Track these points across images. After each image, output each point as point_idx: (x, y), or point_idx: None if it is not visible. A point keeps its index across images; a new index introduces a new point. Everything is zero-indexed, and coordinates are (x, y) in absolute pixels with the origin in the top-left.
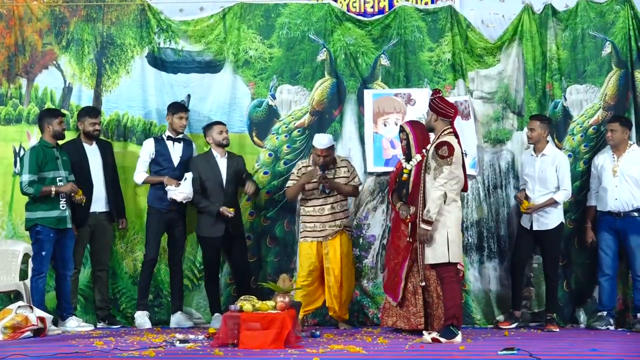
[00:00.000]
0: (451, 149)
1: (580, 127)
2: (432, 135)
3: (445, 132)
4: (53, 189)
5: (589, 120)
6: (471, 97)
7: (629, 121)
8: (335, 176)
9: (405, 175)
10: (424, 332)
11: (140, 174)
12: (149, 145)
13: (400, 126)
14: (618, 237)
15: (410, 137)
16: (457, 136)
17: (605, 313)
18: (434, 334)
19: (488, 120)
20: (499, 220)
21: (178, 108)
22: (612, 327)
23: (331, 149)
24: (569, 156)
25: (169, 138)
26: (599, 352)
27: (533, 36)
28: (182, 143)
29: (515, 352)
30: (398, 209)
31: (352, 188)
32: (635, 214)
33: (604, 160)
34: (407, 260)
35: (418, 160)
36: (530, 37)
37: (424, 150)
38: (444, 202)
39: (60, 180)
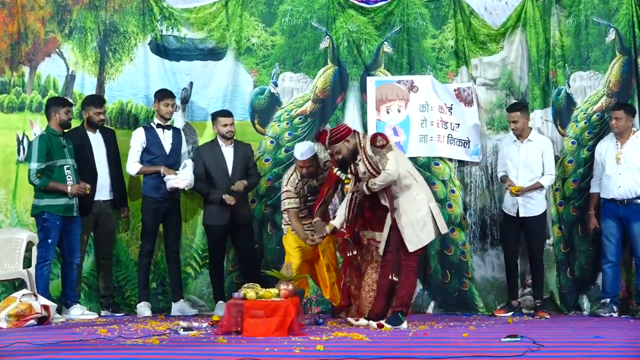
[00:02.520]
0: (384, 136)
1: (584, 113)
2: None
3: (362, 138)
4: (68, 188)
5: (593, 107)
6: (474, 84)
7: (633, 108)
8: (319, 182)
9: (347, 186)
10: (369, 320)
11: (134, 165)
12: (140, 135)
13: (331, 144)
14: (621, 224)
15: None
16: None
17: (608, 300)
18: (380, 321)
19: (491, 107)
20: (501, 208)
21: (164, 94)
22: (615, 314)
23: (313, 159)
24: (573, 143)
25: (158, 126)
26: (602, 339)
27: (536, 23)
28: (171, 130)
29: (518, 339)
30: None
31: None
32: (639, 201)
33: (607, 147)
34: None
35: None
36: (533, 23)
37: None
38: (416, 180)
39: (67, 168)
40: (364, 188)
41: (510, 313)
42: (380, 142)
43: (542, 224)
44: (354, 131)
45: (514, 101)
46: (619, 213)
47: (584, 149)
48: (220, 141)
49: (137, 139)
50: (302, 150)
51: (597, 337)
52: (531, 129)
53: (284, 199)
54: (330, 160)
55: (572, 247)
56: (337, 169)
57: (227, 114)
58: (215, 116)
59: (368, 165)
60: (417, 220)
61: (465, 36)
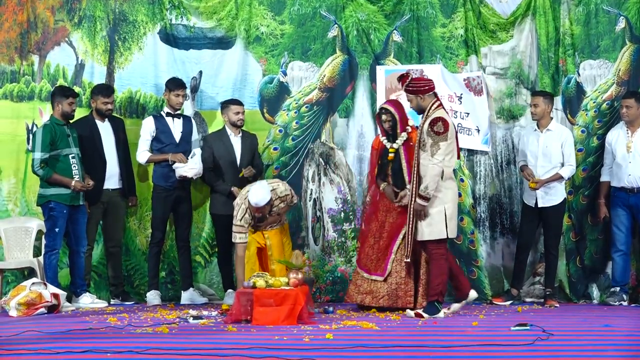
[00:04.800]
0: (446, 124)
1: (594, 102)
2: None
3: (435, 107)
4: (72, 182)
5: (603, 95)
6: (484, 73)
7: None
8: (272, 214)
9: (391, 155)
10: (407, 310)
11: (144, 153)
12: (149, 124)
13: (383, 108)
14: (632, 213)
15: (397, 117)
16: (443, 107)
17: (618, 289)
18: (417, 310)
19: (501, 96)
20: (511, 197)
21: (176, 85)
22: (625, 303)
23: (266, 204)
24: (582, 132)
25: (168, 115)
26: (612, 327)
27: (546, 11)
28: (181, 119)
29: (528, 328)
30: (383, 189)
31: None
32: None
33: (617, 135)
34: (398, 237)
35: (405, 139)
36: (543, 12)
37: (408, 127)
38: (442, 178)
39: (72, 157)
40: (419, 201)
41: (509, 302)
42: (437, 129)
43: (560, 214)
44: (435, 94)
45: (523, 90)
46: (629, 202)
47: (593, 138)
48: (228, 130)
49: (147, 128)
50: (258, 198)
51: (607, 326)
52: (552, 118)
53: (235, 232)
54: (279, 199)
55: (582, 236)
56: (383, 137)
57: (238, 102)
58: (226, 104)
59: (417, 139)
60: (429, 215)
61: (475, 25)
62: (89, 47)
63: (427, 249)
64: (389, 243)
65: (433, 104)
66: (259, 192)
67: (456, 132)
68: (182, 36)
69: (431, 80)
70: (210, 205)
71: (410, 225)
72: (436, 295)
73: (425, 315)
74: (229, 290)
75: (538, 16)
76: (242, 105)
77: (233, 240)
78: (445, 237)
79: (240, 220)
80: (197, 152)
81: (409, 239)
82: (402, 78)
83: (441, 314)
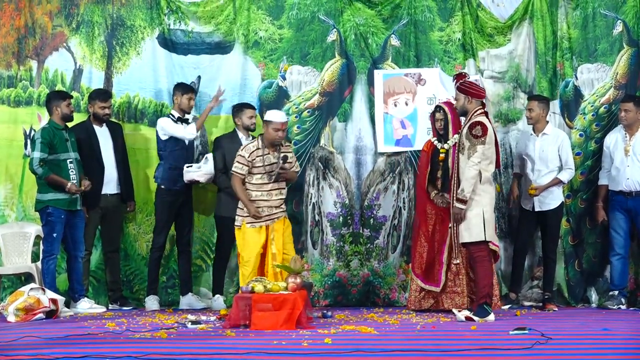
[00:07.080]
0: (485, 128)
1: (592, 106)
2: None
3: (478, 112)
4: (68, 184)
5: (600, 99)
6: (482, 77)
7: None
8: (280, 153)
9: (442, 155)
10: (454, 310)
11: (191, 126)
12: (170, 120)
13: (438, 106)
14: (630, 216)
15: (449, 117)
16: (487, 116)
17: (616, 292)
18: (467, 312)
19: (499, 99)
20: (509, 200)
21: (187, 89)
22: (623, 307)
23: (285, 125)
24: (580, 135)
25: (178, 119)
26: (610, 331)
27: (544, 15)
28: (189, 124)
29: (526, 331)
30: (432, 198)
31: (295, 175)
32: None
33: (615, 139)
34: (446, 243)
35: (456, 141)
36: (540, 16)
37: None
38: (479, 181)
39: (70, 162)
40: (457, 204)
41: (507, 306)
42: (476, 132)
43: (558, 218)
44: (483, 102)
45: (521, 94)
46: (627, 205)
47: (591, 142)
48: (240, 133)
49: (170, 123)
50: (280, 113)
51: (605, 330)
52: (548, 122)
53: (235, 162)
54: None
55: (580, 240)
56: (434, 138)
57: (251, 106)
58: (241, 107)
59: (458, 139)
60: (467, 218)
61: (472, 29)
62: (87, 52)
63: (469, 251)
64: (439, 251)
65: (477, 110)
66: (276, 111)
67: (496, 141)
68: (181, 41)
69: (484, 89)
70: (216, 208)
71: (454, 229)
72: (484, 298)
73: (476, 318)
74: (217, 296)
75: (535, 20)
76: (255, 109)
77: (233, 169)
78: (484, 239)
79: (242, 150)
80: (209, 157)
81: (454, 242)
82: (458, 76)
83: (492, 317)
